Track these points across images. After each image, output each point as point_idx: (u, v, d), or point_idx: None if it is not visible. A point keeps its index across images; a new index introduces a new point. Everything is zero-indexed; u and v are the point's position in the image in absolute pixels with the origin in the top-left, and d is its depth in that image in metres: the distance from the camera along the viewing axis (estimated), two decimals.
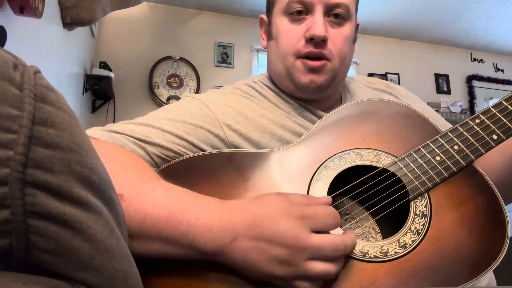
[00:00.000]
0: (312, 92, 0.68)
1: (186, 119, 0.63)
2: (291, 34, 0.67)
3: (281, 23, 0.69)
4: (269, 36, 0.74)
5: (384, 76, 3.51)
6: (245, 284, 0.45)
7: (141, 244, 0.44)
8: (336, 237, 0.44)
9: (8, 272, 0.25)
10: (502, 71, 3.93)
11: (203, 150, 0.61)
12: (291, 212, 0.44)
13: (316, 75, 0.65)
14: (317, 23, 0.64)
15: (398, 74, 3.57)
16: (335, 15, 0.66)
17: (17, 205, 0.24)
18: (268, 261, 0.42)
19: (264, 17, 0.77)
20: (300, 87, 0.67)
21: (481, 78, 3.79)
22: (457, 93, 3.72)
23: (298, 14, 0.66)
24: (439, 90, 3.67)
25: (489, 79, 3.82)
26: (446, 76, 3.74)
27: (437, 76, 3.72)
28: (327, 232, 0.46)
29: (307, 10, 0.66)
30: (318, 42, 0.64)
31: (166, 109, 0.65)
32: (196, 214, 0.45)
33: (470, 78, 3.78)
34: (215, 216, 0.45)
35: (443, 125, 0.66)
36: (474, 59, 3.88)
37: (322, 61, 0.65)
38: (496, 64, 3.93)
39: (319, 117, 0.69)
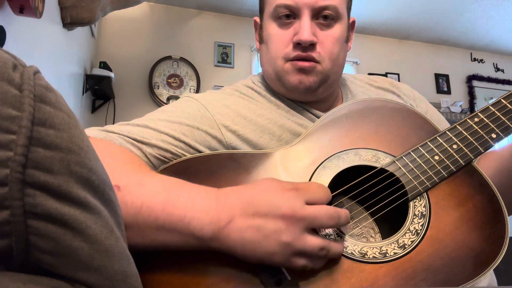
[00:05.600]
0: (302, 93, 0.68)
1: (183, 120, 0.63)
2: (280, 39, 0.67)
3: (271, 28, 0.69)
4: (261, 40, 0.74)
5: (384, 76, 3.50)
6: (245, 282, 0.45)
7: (138, 234, 0.44)
8: (330, 207, 0.46)
9: (8, 272, 0.25)
10: (502, 71, 3.93)
11: (200, 152, 0.61)
12: (284, 185, 0.46)
13: (305, 76, 0.65)
14: (303, 28, 0.63)
15: (398, 74, 3.57)
16: (324, 17, 0.66)
17: (17, 206, 0.24)
18: (266, 238, 0.43)
19: (258, 19, 0.77)
20: (289, 88, 0.68)
21: (481, 78, 3.79)
22: (457, 93, 3.72)
23: (286, 18, 0.66)
24: (439, 90, 3.67)
25: (489, 79, 3.82)
26: (446, 76, 3.74)
27: (437, 76, 3.71)
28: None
29: (294, 15, 0.66)
30: (305, 46, 0.64)
31: (164, 110, 0.66)
32: (192, 199, 0.45)
33: (470, 78, 3.77)
34: (210, 200, 0.45)
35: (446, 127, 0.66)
36: (474, 59, 3.88)
37: (311, 63, 0.65)
38: (496, 64, 3.93)
39: (318, 117, 0.69)
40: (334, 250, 0.46)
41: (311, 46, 0.65)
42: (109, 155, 0.51)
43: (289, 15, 0.66)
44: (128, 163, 0.52)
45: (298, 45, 0.65)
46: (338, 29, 0.67)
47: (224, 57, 3.18)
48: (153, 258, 0.46)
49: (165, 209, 0.44)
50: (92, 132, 0.58)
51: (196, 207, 0.44)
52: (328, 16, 0.66)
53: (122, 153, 0.55)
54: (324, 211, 0.45)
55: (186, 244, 0.45)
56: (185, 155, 0.59)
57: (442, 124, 0.73)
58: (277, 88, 0.71)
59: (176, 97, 2.97)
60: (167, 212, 0.44)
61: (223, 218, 0.44)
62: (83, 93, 2.43)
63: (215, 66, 3.14)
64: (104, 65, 2.60)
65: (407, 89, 0.81)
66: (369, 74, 3.41)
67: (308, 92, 0.68)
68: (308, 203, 0.45)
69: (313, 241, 0.43)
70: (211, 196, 0.46)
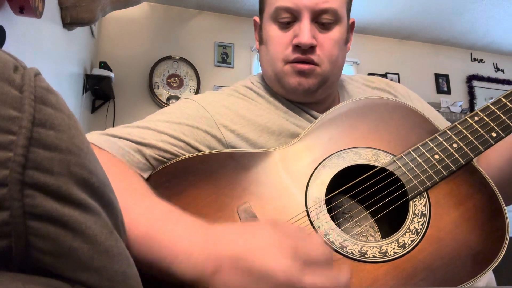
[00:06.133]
0: (301, 95, 0.69)
1: (182, 120, 0.63)
2: (280, 41, 0.67)
3: (271, 29, 0.69)
4: (260, 40, 0.74)
5: (384, 76, 3.50)
6: None
7: None
8: (329, 277, 0.40)
9: (8, 272, 0.25)
10: (502, 71, 3.93)
11: (200, 151, 0.61)
12: (284, 246, 0.40)
13: (304, 78, 0.66)
14: (303, 31, 0.64)
15: (398, 74, 3.57)
16: (323, 20, 0.66)
17: (17, 206, 0.24)
18: None
19: (258, 19, 0.77)
20: (289, 89, 0.68)
21: (481, 78, 3.79)
22: (457, 93, 3.72)
23: (286, 21, 0.66)
24: (439, 90, 3.67)
25: (489, 79, 3.82)
26: (446, 76, 3.74)
27: (437, 76, 3.71)
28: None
29: (294, 17, 0.66)
30: (305, 49, 0.64)
31: (163, 112, 0.66)
32: (176, 238, 0.41)
33: (470, 78, 3.78)
34: (196, 242, 0.41)
35: (444, 125, 0.66)
36: (474, 59, 3.88)
37: (311, 65, 0.65)
38: (496, 64, 3.93)
39: (316, 118, 0.69)
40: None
41: (311, 48, 0.65)
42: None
43: (289, 17, 0.66)
44: (117, 179, 0.47)
45: (297, 47, 0.65)
46: (337, 32, 0.67)
47: (224, 57, 3.18)
48: None
49: (147, 244, 0.41)
50: (92, 137, 0.58)
51: (179, 247, 0.40)
52: (328, 19, 0.65)
53: (114, 166, 0.53)
54: (322, 285, 0.38)
55: (170, 281, 0.40)
56: (184, 155, 0.59)
57: (439, 121, 0.73)
58: (276, 89, 0.72)
59: (176, 97, 2.97)
60: (148, 247, 0.41)
61: (208, 266, 0.39)
62: (83, 93, 2.43)
63: (215, 66, 3.14)
64: (104, 65, 2.60)
65: (402, 89, 0.81)
66: (369, 74, 3.42)
67: (307, 94, 0.68)
68: (307, 263, 0.39)
69: None
70: (197, 237, 0.42)
